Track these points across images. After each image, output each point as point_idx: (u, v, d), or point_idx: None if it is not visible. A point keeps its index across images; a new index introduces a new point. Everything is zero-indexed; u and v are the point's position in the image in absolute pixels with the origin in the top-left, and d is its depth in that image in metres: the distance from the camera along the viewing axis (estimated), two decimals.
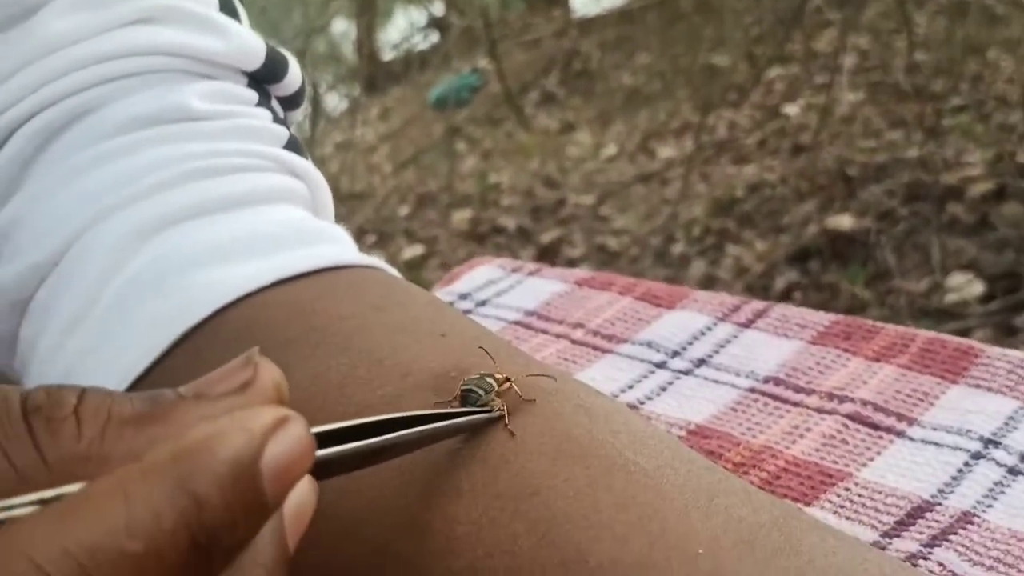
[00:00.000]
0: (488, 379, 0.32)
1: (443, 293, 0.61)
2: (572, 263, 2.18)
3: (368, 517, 0.30)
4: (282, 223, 0.40)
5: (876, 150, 2.10)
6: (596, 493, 0.29)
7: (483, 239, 2.44)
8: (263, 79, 0.44)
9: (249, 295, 0.37)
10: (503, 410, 0.31)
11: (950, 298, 1.60)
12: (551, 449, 0.30)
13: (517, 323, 0.57)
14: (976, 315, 1.54)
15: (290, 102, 0.46)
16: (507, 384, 0.32)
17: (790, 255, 1.87)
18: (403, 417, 0.28)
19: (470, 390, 0.31)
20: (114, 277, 0.38)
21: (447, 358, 0.34)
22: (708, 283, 1.91)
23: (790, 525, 0.29)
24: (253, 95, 0.43)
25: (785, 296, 1.79)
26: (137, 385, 0.36)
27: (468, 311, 0.59)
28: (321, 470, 0.25)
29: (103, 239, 0.38)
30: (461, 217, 2.57)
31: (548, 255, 2.25)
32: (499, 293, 0.60)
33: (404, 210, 2.72)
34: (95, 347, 0.37)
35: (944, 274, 1.65)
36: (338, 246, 0.41)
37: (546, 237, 2.34)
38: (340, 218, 0.46)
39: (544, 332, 0.56)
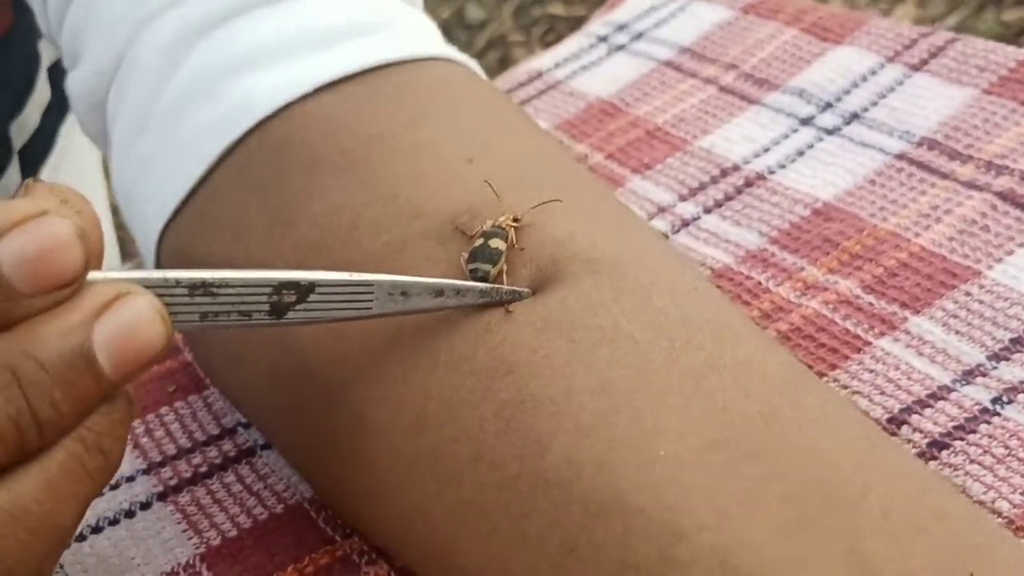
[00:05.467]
0: (496, 241, 0.30)
1: (601, 23, 0.57)
2: None
3: (349, 382, 0.30)
4: (335, 12, 0.38)
5: None
6: (574, 373, 0.27)
7: None
8: None
9: (291, 104, 0.36)
10: (508, 296, 0.29)
11: None
12: (539, 319, 0.28)
13: (667, 64, 0.52)
14: None
15: None
16: (515, 224, 0.30)
17: None
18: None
19: (476, 268, 0.29)
20: (166, 84, 0.37)
21: (464, 195, 0.32)
22: None
23: (782, 417, 0.26)
24: None
25: None
26: (188, 201, 0.36)
27: (622, 46, 0.55)
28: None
29: (153, 43, 0.37)
30: None
31: None
32: (658, 23, 0.55)
33: None
34: (154, 155, 0.37)
35: None
36: (396, 35, 0.38)
37: None
38: None
39: (693, 76, 0.51)
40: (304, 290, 0.26)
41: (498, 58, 1.55)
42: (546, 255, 0.30)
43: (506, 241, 0.30)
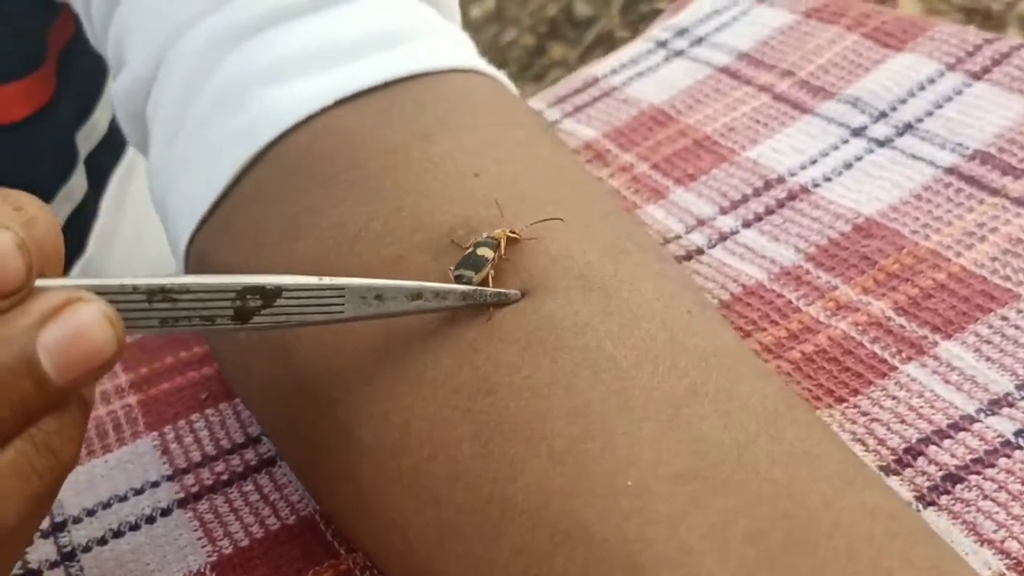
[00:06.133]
0: (483, 250, 0.30)
1: (662, 28, 0.56)
2: None
3: (341, 397, 0.30)
4: (363, 24, 0.38)
5: None
6: (553, 395, 0.27)
7: None
8: None
9: (312, 116, 0.36)
10: (489, 299, 0.29)
11: None
12: (524, 336, 0.28)
13: (723, 70, 0.51)
14: None
15: None
16: (512, 235, 0.30)
17: None
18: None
19: (460, 275, 0.29)
20: (198, 93, 0.38)
21: (464, 209, 0.32)
22: None
23: (757, 450, 0.25)
24: None
25: None
26: (214, 210, 0.37)
27: (680, 52, 0.54)
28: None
29: (188, 52, 0.38)
30: None
31: None
32: (719, 27, 0.54)
33: None
34: (185, 164, 0.38)
35: None
36: (422, 46, 0.38)
37: None
38: None
39: (748, 83, 0.50)
40: (270, 295, 0.26)
41: (605, 54, 1.54)
42: (538, 267, 0.29)
43: (494, 251, 0.29)
